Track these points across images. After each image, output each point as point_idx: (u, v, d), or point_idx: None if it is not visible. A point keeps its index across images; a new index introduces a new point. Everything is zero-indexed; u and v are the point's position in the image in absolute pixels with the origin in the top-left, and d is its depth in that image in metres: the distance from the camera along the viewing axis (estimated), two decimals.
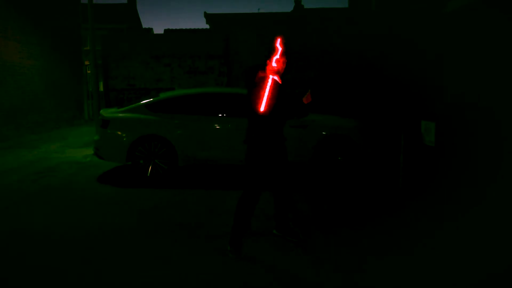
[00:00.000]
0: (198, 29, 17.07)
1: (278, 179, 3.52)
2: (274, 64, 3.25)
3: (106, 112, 6.37)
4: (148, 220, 4.32)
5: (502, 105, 4.06)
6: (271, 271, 3.11)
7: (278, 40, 3.24)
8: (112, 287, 2.86)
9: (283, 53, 3.28)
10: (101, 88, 13.66)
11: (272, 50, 3.26)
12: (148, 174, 6.00)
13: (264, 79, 3.23)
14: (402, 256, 3.36)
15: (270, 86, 3.17)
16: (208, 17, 13.97)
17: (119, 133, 6.06)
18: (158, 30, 70.66)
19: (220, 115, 6.16)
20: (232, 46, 12.14)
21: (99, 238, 3.76)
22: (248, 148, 3.38)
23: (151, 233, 3.93)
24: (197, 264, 3.21)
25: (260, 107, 3.14)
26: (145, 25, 74.52)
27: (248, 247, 3.49)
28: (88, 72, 17.91)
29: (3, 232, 3.93)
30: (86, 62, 18.06)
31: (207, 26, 15.46)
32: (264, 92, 3.14)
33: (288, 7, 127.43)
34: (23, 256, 3.38)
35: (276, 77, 3.27)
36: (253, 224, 4.01)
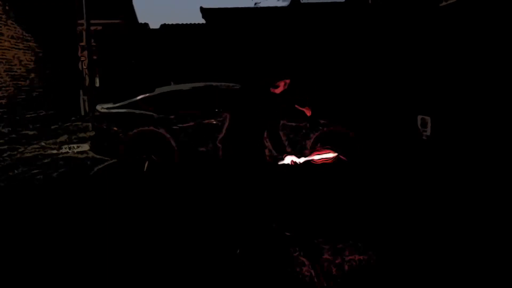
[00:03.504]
0: (194, 24, 16.96)
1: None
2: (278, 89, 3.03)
3: (102, 108, 6.34)
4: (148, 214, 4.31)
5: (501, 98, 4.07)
6: (270, 267, 3.12)
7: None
8: None
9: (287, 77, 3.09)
10: (97, 84, 13.59)
11: (273, 78, 3.06)
12: (145, 170, 6.00)
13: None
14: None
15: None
16: (204, 11, 13.91)
17: (115, 128, 6.04)
18: (154, 25, 70.24)
19: (216, 109, 6.15)
20: (229, 40, 12.09)
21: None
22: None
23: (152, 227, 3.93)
24: (200, 261, 3.21)
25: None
26: (141, 20, 73.89)
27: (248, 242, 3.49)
28: (84, 67, 17.81)
29: None
30: (82, 58, 17.94)
31: (204, 21, 15.40)
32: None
33: (285, 1, 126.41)
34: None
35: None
36: None
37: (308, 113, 3.29)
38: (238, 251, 3.24)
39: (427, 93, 5.38)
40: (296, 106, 3.21)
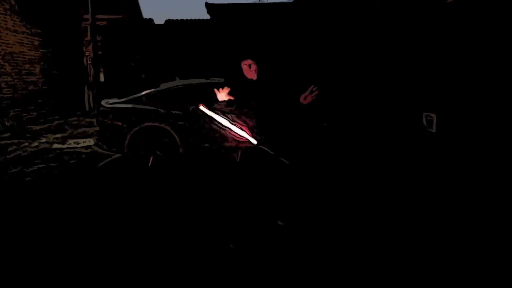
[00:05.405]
0: (199, 19, 16.92)
1: None
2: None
3: (107, 103, 6.36)
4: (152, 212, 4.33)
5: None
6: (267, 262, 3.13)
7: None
8: None
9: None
10: (102, 79, 13.62)
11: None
12: (149, 165, 6.01)
13: None
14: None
15: None
16: (209, 7, 13.88)
17: (120, 123, 6.06)
18: (159, 20, 70.25)
19: None
20: (235, 36, 12.07)
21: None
22: None
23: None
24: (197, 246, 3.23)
25: None
26: (146, 15, 73.79)
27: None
28: (89, 62, 17.85)
29: None
30: (87, 53, 17.98)
31: (209, 16, 15.37)
32: None
33: None
34: None
35: None
36: None
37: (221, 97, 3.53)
38: (238, 246, 3.26)
39: (433, 90, 5.35)
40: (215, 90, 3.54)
